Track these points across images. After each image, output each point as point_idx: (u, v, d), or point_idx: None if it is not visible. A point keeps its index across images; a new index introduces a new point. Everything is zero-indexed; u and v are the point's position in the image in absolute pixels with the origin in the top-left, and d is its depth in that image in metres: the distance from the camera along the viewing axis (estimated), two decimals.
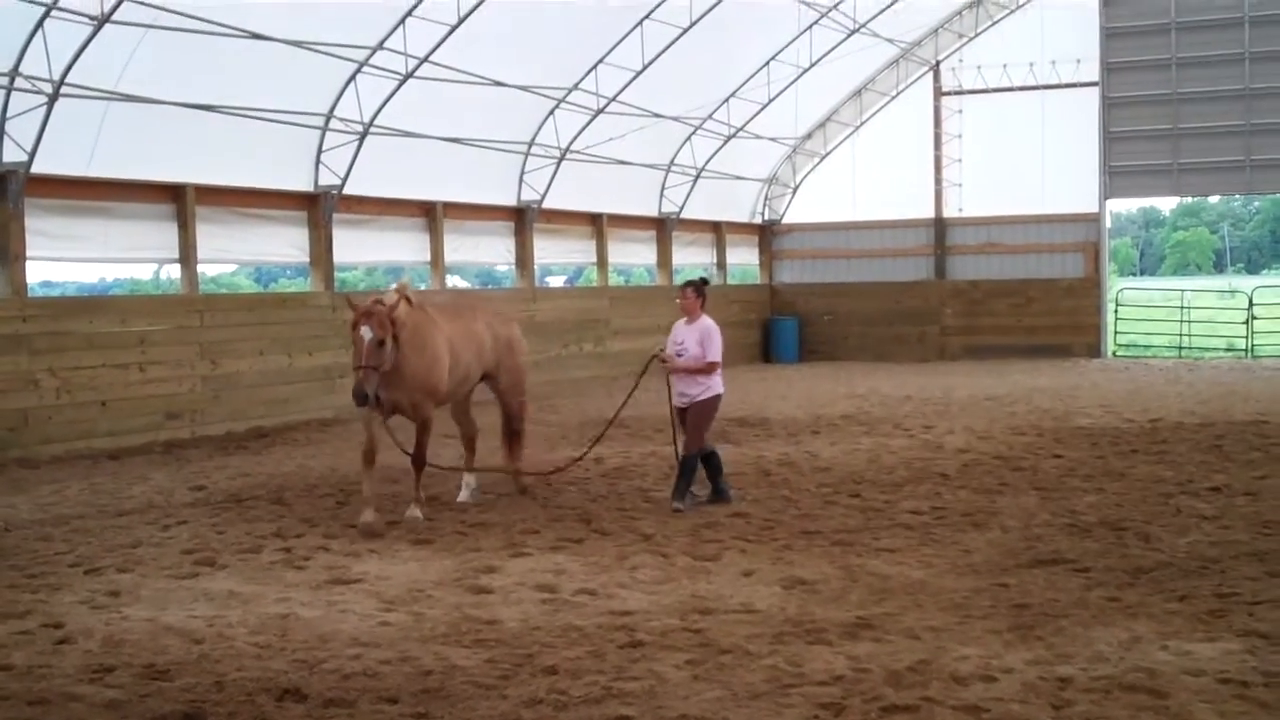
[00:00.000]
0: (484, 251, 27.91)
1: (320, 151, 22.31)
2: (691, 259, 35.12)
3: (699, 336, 13.20)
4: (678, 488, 13.08)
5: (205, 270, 23.40)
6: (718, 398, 13.32)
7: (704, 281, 13.62)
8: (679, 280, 34.63)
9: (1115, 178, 34.12)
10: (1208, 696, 6.95)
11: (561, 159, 27.64)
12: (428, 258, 25.76)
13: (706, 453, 13.31)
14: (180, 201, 20.13)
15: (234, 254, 22.67)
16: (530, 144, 27.05)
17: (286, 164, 22.02)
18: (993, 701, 6.88)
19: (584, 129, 27.55)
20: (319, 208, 22.57)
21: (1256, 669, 7.40)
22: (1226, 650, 7.79)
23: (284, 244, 22.58)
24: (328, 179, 22.44)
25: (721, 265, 36.24)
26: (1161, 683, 7.16)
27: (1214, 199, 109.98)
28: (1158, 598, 9.00)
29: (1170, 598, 8.98)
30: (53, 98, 17.23)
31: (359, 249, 24.43)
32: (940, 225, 36.14)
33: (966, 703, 6.87)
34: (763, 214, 37.72)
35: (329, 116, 21.99)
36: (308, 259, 22.96)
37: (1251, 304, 35.65)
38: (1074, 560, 10.24)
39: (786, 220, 37.91)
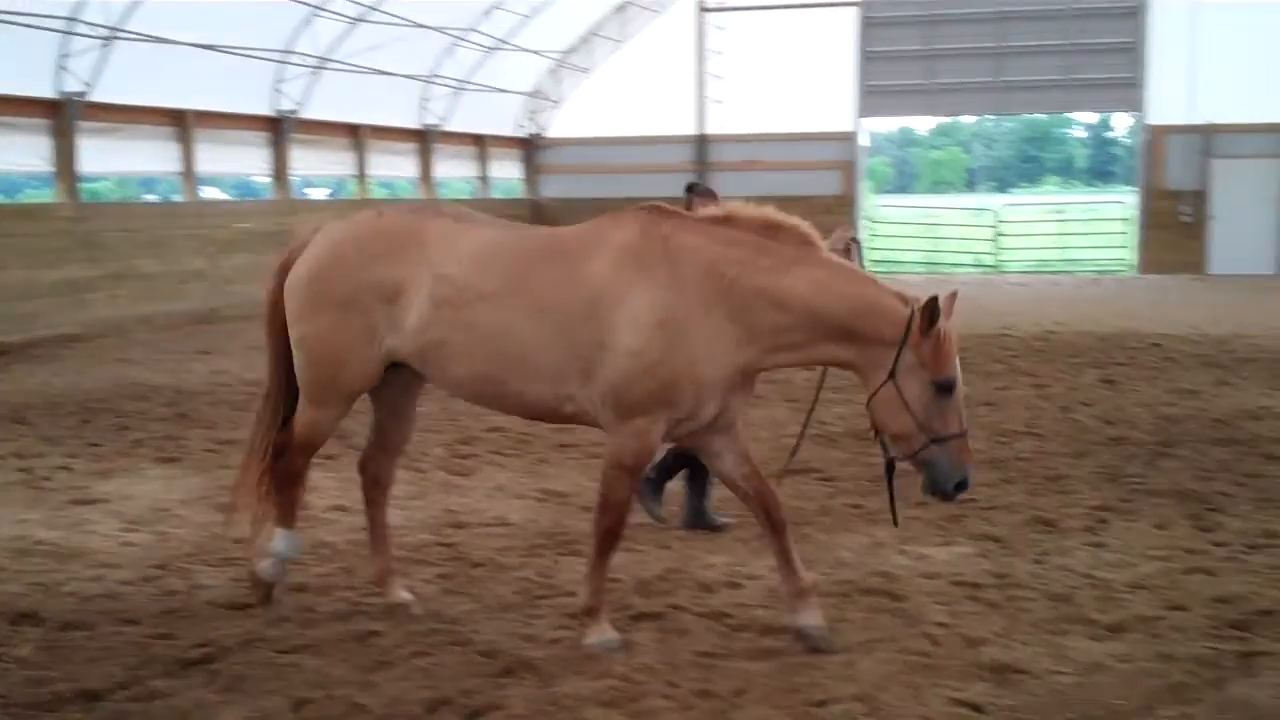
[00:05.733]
0: (239, 162, 27.11)
1: (62, 56, 21.30)
2: (454, 172, 34.76)
3: None
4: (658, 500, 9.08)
5: None
6: None
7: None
8: (443, 194, 34.44)
9: (871, 97, 34.83)
10: (942, 598, 7.26)
11: (320, 68, 26.97)
12: (180, 168, 24.88)
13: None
14: None
15: None
16: (286, 52, 26.31)
17: (27, 69, 20.92)
18: (736, 607, 7.07)
19: (343, 38, 26.91)
20: (64, 115, 21.58)
21: (989, 571, 7.75)
22: (961, 554, 8.14)
23: (25, 153, 21.41)
24: (72, 85, 21.44)
25: (485, 179, 35.96)
26: (898, 586, 7.45)
27: (968, 119, 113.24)
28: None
29: (910, 504, 9.29)
30: None
31: (107, 159, 23.40)
32: (703, 142, 36.42)
33: (712, 609, 7.04)
34: (527, 128, 37.49)
35: (71, 19, 20.98)
36: (52, 169, 21.96)
37: (999, 221, 36.99)
38: (820, 469, 10.56)
39: (551, 134, 37.76)
